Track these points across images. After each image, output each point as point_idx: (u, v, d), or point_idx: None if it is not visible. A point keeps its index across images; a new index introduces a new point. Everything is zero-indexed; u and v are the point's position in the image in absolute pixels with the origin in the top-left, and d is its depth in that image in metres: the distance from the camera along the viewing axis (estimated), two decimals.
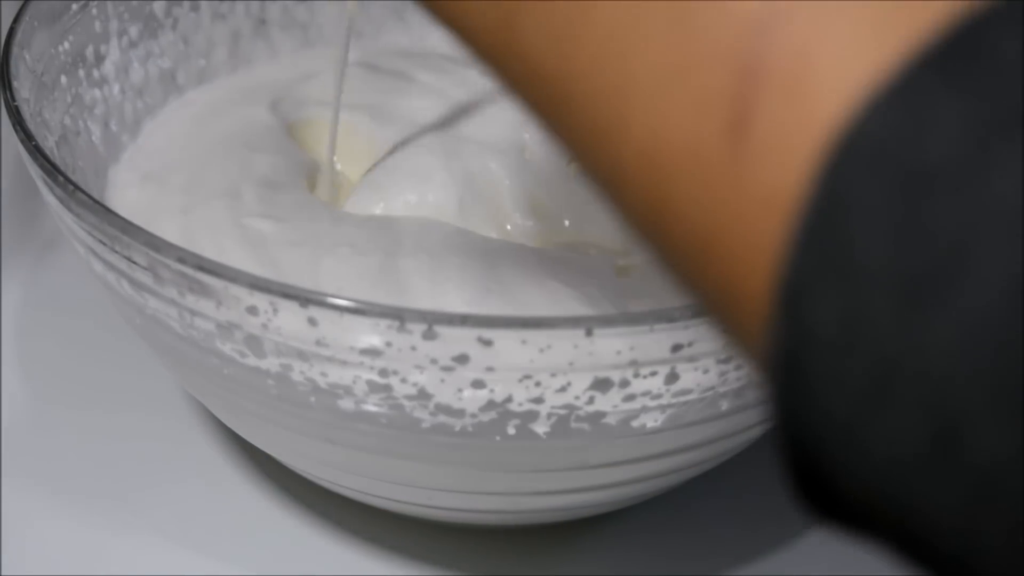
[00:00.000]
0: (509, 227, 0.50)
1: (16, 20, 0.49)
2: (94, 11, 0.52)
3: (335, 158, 0.53)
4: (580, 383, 0.40)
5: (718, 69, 0.25)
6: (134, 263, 0.42)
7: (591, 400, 0.40)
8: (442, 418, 0.41)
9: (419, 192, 0.50)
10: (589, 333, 0.39)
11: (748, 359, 0.27)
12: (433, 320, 0.39)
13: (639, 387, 0.40)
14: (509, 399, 0.40)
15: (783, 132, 0.24)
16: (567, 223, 0.50)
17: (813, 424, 0.24)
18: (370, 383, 0.40)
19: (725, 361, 0.41)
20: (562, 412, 0.41)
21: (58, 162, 0.45)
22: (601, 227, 0.50)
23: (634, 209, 0.27)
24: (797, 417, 0.24)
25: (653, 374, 0.40)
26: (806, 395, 0.24)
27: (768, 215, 0.25)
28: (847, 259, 0.23)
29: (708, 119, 0.25)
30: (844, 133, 0.24)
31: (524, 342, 0.39)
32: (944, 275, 0.23)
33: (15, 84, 0.47)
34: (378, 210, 0.49)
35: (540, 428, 0.41)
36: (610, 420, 0.41)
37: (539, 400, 0.40)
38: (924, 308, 0.23)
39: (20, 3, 0.49)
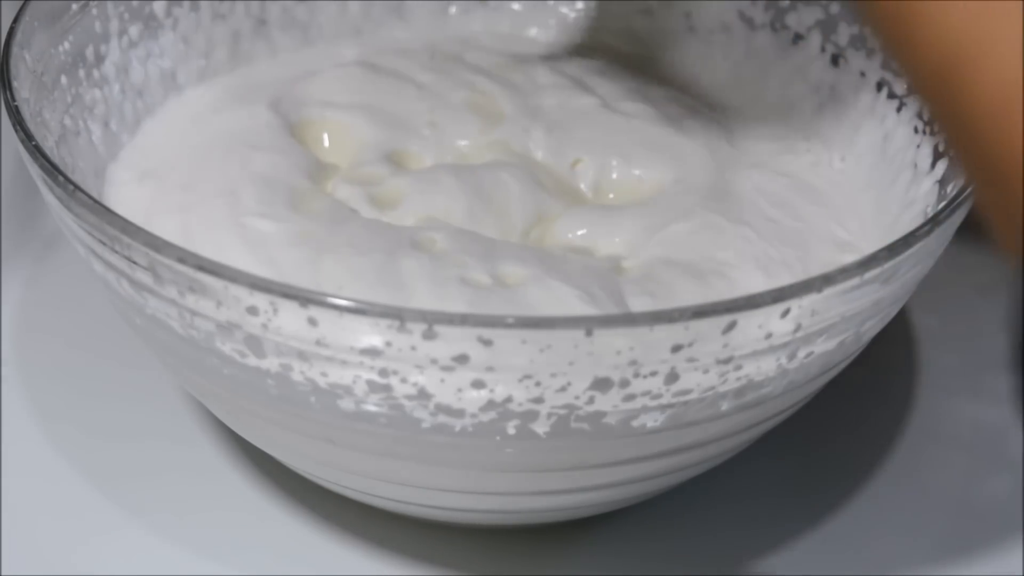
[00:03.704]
0: (515, 233, 0.50)
1: (16, 20, 0.49)
2: (94, 11, 0.52)
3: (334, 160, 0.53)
4: (580, 383, 0.40)
5: None
6: (134, 263, 0.42)
7: (591, 400, 0.40)
8: (442, 418, 0.41)
9: (427, 198, 0.50)
10: (589, 333, 0.39)
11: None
12: (433, 320, 0.39)
13: (639, 387, 0.40)
14: (509, 399, 0.40)
15: None
16: (572, 227, 0.50)
17: None
18: (370, 383, 0.40)
19: (725, 361, 0.41)
20: (562, 412, 0.41)
21: (58, 162, 0.45)
22: (606, 231, 0.50)
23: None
24: None
25: (653, 374, 0.40)
26: None
27: None
28: None
29: None
30: None
31: (524, 342, 0.39)
32: None
33: (15, 84, 0.47)
34: (384, 216, 0.49)
35: (540, 428, 0.41)
36: (610, 420, 0.41)
37: (539, 400, 0.40)
38: None
39: (20, 3, 0.49)
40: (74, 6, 0.51)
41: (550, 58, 0.58)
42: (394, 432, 0.42)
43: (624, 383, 0.40)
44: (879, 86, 0.53)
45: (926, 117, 0.51)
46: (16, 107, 0.46)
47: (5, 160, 0.59)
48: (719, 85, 0.58)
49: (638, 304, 0.45)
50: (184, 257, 0.40)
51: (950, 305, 0.57)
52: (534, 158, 0.53)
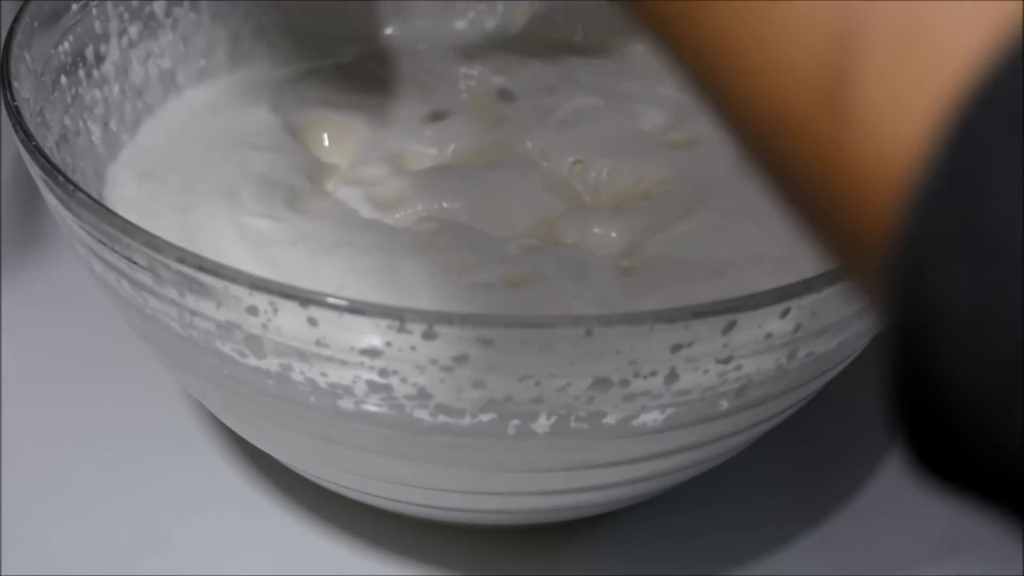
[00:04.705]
0: (515, 233, 0.50)
1: (16, 20, 0.48)
2: (94, 11, 0.52)
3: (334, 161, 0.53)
4: (580, 383, 0.40)
5: (809, 35, 0.24)
6: (134, 263, 0.42)
7: (591, 400, 0.40)
8: (442, 418, 0.41)
9: (427, 198, 0.50)
10: (589, 333, 0.39)
11: (868, 306, 0.25)
12: (433, 320, 0.39)
13: (639, 387, 0.40)
14: (509, 399, 0.40)
15: (893, 98, 0.23)
16: (572, 227, 0.50)
17: (942, 398, 0.23)
18: (370, 383, 0.40)
19: (725, 361, 0.41)
20: (562, 412, 0.41)
21: (58, 162, 0.45)
22: (606, 231, 0.50)
23: (750, 152, 0.27)
24: (923, 388, 0.23)
25: (653, 374, 0.40)
26: (933, 368, 0.22)
27: (880, 182, 0.23)
28: (980, 232, 0.21)
29: (799, 86, 0.24)
30: (973, 94, 0.22)
31: (524, 342, 0.39)
32: None
33: (15, 84, 0.47)
34: (384, 216, 0.49)
35: (540, 428, 0.41)
36: (610, 420, 0.41)
37: (539, 400, 0.40)
38: None
39: (20, 3, 0.49)
40: (74, 6, 0.51)
41: (550, 58, 0.58)
42: (394, 432, 0.42)
43: (624, 383, 0.40)
44: None
45: None
46: (16, 107, 0.46)
47: (5, 160, 0.59)
48: None
49: (638, 304, 0.45)
50: (184, 257, 0.40)
51: None
52: (534, 158, 0.53)
